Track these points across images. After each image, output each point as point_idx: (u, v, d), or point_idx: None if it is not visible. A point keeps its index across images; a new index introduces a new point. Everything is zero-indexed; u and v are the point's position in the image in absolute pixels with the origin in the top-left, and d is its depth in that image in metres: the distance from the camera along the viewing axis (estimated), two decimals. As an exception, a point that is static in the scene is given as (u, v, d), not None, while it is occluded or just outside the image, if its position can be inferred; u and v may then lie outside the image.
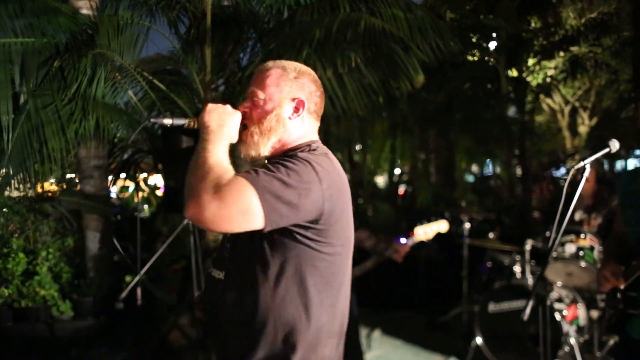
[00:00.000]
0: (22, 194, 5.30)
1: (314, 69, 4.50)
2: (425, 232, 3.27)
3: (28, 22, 4.32)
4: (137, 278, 3.51)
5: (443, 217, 6.71)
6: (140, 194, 6.47)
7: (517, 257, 4.27)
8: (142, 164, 6.12)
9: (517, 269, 4.25)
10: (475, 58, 7.14)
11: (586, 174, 1.84)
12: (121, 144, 5.53)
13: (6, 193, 4.97)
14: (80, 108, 4.47)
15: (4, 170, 4.62)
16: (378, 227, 6.64)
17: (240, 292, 1.39)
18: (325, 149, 1.47)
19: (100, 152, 5.32)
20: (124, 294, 3.67)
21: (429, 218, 6.46)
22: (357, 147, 8.85)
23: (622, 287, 2.14)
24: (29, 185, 4.90)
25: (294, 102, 1.47)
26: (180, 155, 4.61)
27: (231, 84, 5.57)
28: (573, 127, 9.94)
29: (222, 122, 1.42)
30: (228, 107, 1.47)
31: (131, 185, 6.60)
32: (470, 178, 12.08)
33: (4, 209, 4.92)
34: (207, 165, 1.30)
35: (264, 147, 1.47)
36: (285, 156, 1.39)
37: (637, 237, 2.16)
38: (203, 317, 1.60)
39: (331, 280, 1.39)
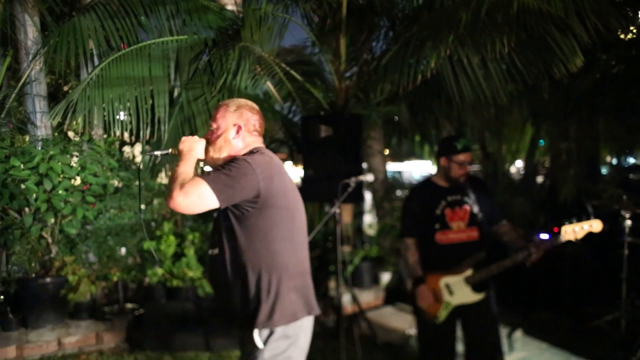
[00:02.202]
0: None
1: (457, 56, 4.31)
2: (574, 231, 2.95)
3: (182, 21, 4.60)
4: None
5: (587, 212, 6.17)
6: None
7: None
8: (278, 153, 6.31)
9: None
10: (630, 36, 6.39)
11: None
12: (264, 133, 5.71)
13: (158, 180, 5.36)
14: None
15: (158, 159, 5.01)
16: (513, 221, 6.25)
17: (229, 258, 2.03)
18: (264, 151, 2.10)
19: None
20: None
21: (573, 216, 5.95)
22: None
23: None
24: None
25: (235, 127, 2.11)
26: (319, 144, 4.69)
27: (365, 72, 5.53)
28: None
29: (191, 148, 2.09)
30: (195, 137, 2.14)
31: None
32: (604, 170, 11.01)
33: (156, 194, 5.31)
34: (177, 174, 1.95)
35: (219, 159, 2.11)
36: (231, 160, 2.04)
37: None
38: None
39: (283, 231, 2.04)
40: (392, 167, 17.81)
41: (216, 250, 2.09)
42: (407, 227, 3.20)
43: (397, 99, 5.60)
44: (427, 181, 3.26)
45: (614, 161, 12.25)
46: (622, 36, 6.52)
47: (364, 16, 5.47)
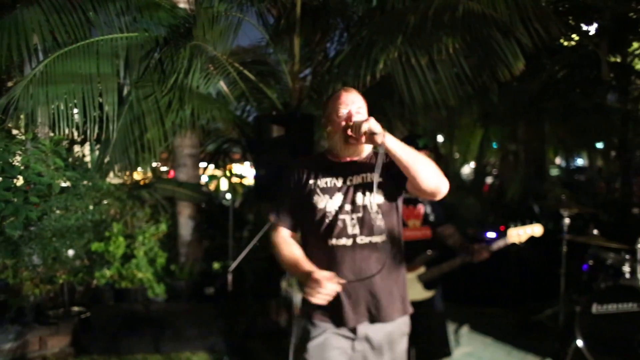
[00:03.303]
0: (121, 180, 5.58)
1: (407, 57, 4.40)
2: (518, 234, 3.10)
3: (132, 18, 4.52)
4: (234, 265, 3.59)
5: (533, 212, 6.41)
6: (227, 182, 6.62)
7: (627, 257, 3.98)
8: (231, 153, 6.27)
9: (626, 268, 3.95)
10: (572, 43, 6.67)
11: None
12: (217, 133, 5.66)
13: (107, 180, 5.23)
14: (178, 98, 4.63)
15: (107, 158, 4.89)
16: (465, 221, 6.43)
17: (391, 243, 2.04)
18: None
19: (193, 141, 5.49)
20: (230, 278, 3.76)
21: (520, 215, 6.16)
22: (440, 139, 8.60)
23: None
24: (128, 172, 5.16)
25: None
26: (271, 144, 4.67)
27: (318, 73, 5.56)
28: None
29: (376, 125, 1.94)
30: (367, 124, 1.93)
31: (218, 174, 6.77)
32: (554, 171, 11.45)
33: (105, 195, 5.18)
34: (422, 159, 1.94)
35: (366, 148, 2.09)
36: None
37: None
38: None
39: None
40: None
41: (382, 237, 2.00)
42: None
43: (350, 100, 5.65)
44: None
45: (563, 163, 12.74)
46: (565, 43, 6.81)
47: (318, 17, 5.51)
